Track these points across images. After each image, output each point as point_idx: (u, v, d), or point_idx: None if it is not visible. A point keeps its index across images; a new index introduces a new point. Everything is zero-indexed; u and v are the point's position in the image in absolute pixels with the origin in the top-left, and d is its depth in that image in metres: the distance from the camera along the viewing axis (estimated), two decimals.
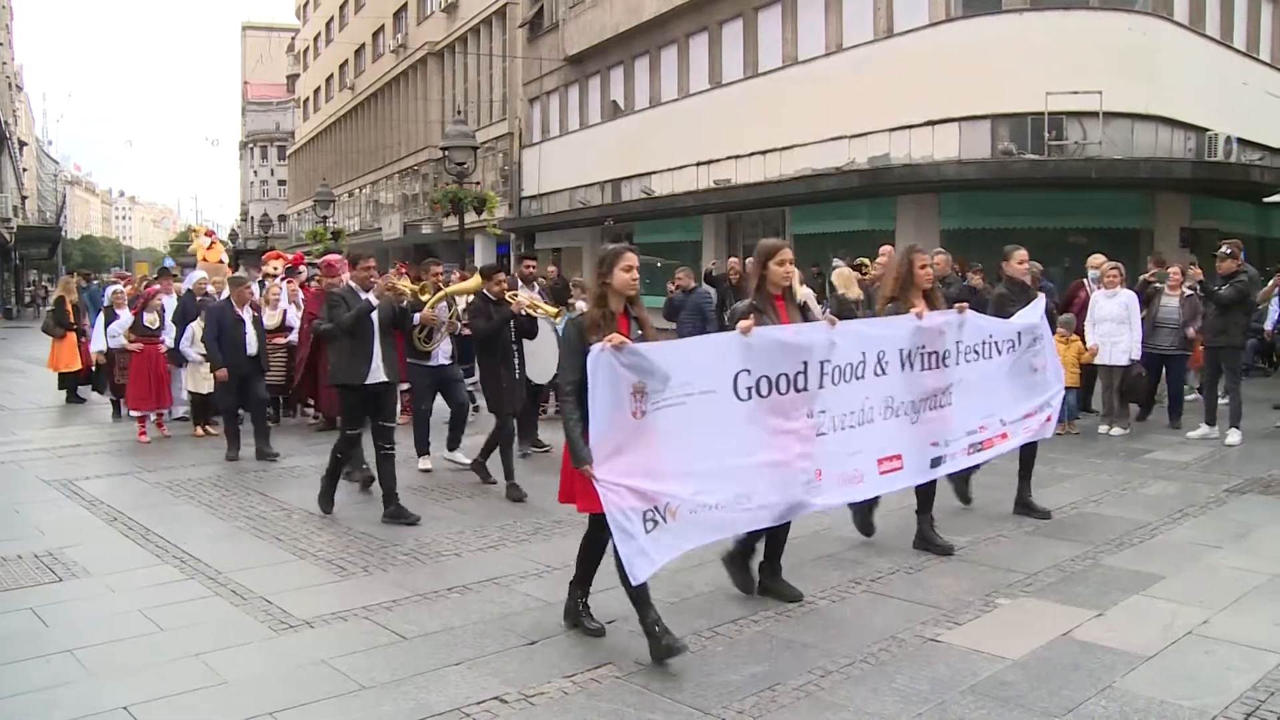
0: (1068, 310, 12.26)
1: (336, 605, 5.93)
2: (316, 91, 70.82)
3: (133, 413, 12.19)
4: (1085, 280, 12.99)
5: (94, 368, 15.18)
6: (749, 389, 5.49)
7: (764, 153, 25.07)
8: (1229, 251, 11.18)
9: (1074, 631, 5.42)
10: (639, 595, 5.06)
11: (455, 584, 6.33)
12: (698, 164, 27.53)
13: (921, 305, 6.70)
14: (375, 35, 55.82)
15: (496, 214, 31.33)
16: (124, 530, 7.77)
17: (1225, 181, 20.99)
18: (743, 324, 5.56)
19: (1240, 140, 21.52)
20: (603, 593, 6.11)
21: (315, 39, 70.51)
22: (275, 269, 14.52)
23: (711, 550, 7.02)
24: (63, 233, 70.22)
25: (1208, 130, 20.92)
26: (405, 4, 50.55)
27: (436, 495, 8.90)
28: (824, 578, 6.44)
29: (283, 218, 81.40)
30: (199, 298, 12.70)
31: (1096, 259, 12.87)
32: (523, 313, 9.24)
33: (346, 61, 61.62)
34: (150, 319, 12.24)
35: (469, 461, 9.69)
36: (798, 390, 5.72)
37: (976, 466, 7.76)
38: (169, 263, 17.97)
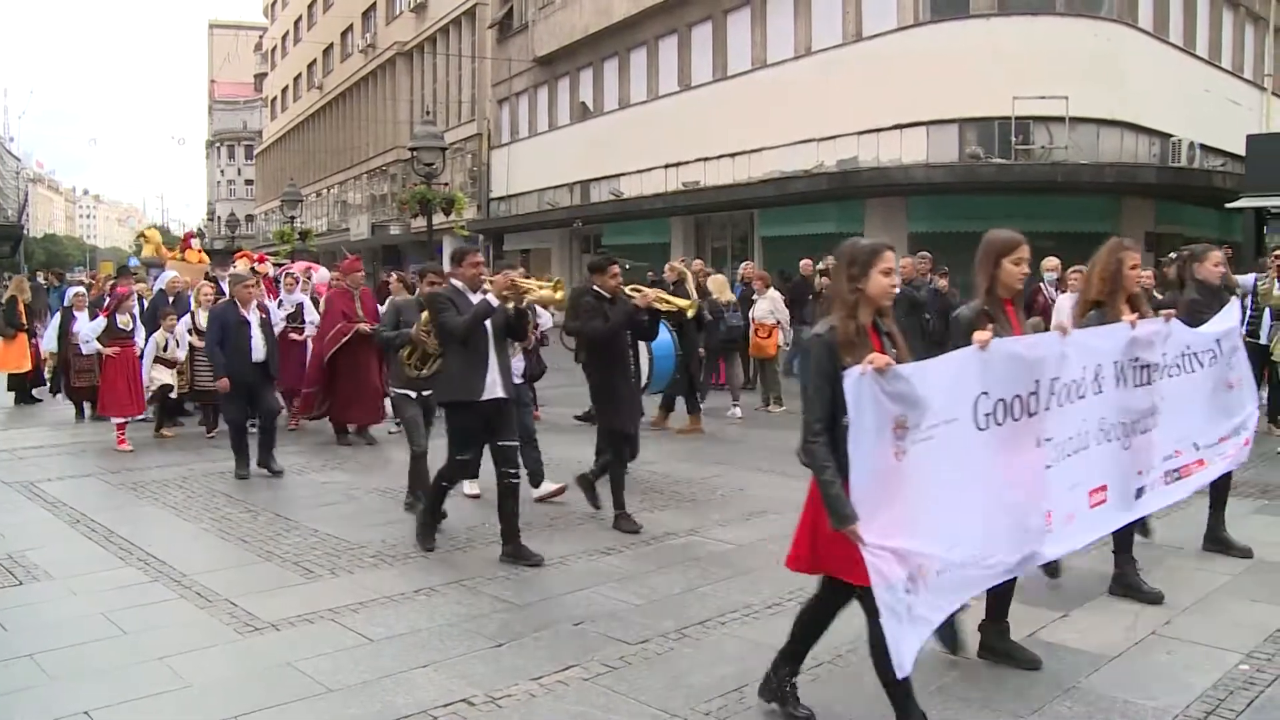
0: (1030, 314, 12.33)
1: (303, 608, 5.88)
2: (284, 91, 70.39)
3: (112, 420, 11.49)
4: (1041, 284, 13.08)
5: (45, 369, 15.21)
6: (987, 415, 4.44)
7: (733, 155, 25.15)
8: (1176, 256, 11.23)
9: (1039, 632, 5.45)
10: (904, 693, 4.11)
11: (422, 586, 6.30)
12: (666, 166, 27.58)
13: (1132, 312, 5.68)
14: (344, 35, 55.55)
15: (465, 215, 31.25)
16: (87, 532, 7.67)
17: (1189, 187, 21.27)
18: (980, 335, 4.44)
19: (1203, 146, 21.80)
20: (569, 595, 6.10)
21: (283, 38, 70.07)
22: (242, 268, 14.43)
23: (681, 553, 7.04)
24: (25, 231, 69.32)
25: (1171, 136, 21.18)
26: (374, 4, 50.34)
27: (401, 496, 8.83)
28: (792, 579, 6.42)
29: (250, 218, 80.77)
30: (170, 298, 12.48)
31: (1051, 261, 12.96)
32: (642, 311, 7.83)
33: (315, 61, 61.28)
34: (123, 320, 11.69)
35: (553, 488, 8.62)
36: (1029, 415, 4.70)
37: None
38: (133, 262, 17.82)
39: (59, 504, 8.60)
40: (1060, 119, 19.65)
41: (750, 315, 14.23)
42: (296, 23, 66.05)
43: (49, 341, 14.33)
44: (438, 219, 23.65)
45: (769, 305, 14.07)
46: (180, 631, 5.55)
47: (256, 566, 6.82)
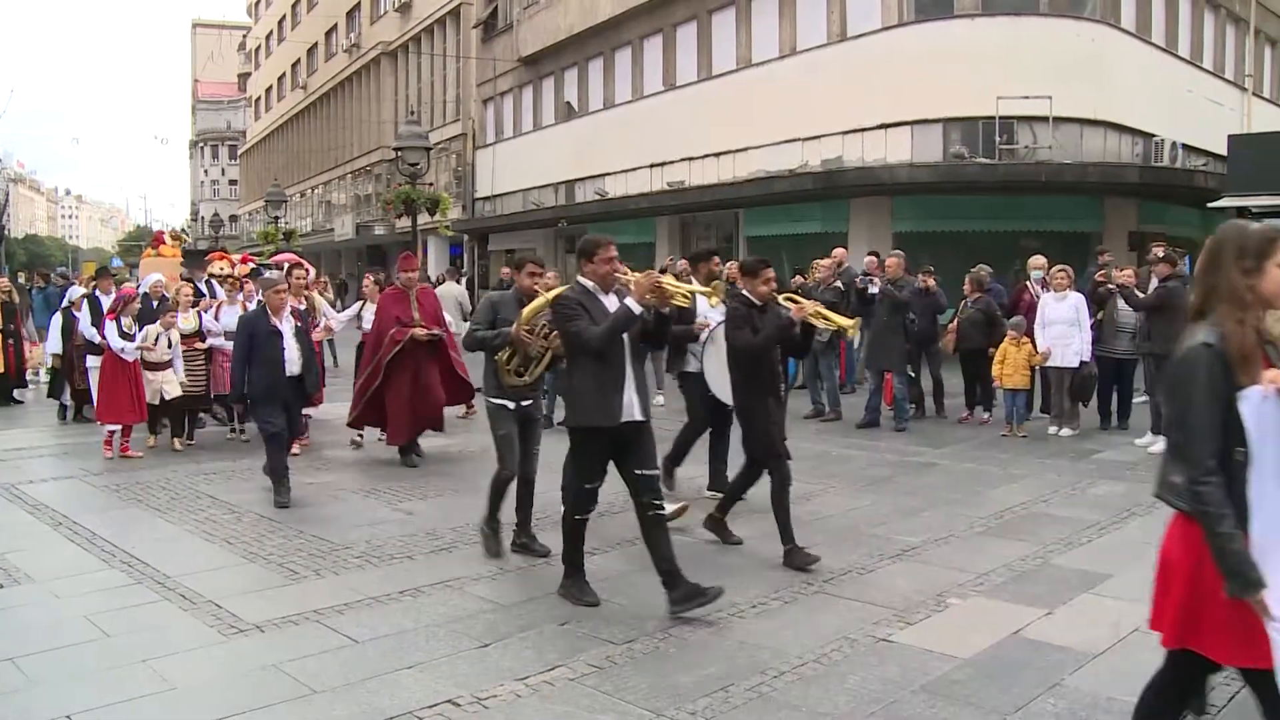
0: (1015, 312, 12.40)
1: (287, 609, 5.86)
2: (268, 90, 70.15)
3: (104, 426, 10.85)
4: (1028, 282, 13.14)
5: (27, 370, 14.99)
6: None
7: (718, 155, 25.14)
8: (1163, 255, 11.26)
9: (1024, 630, 5.48)
10: None
11: (407, 587, 6.29)
12: (651, 166, 27.56)
13: None
14: (328, 34, 55.39)
15: (450, 215, 31.15)
16: (69, 534, 7.64)
17: (1171, 186, 21.36)
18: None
19: (1185, 146, 21.91)
20: (555, 595, 6.09)
21: (267, 37, 69.83)
22: (221, 269, 14.21)
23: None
24: (6, 231, 68.86)
25: (1154, 136, 21.27)
26: (358, 3, 50.20)
27: (387, 497, 8.83)
28: (776, 578, 6.46)
29: (234, 218, 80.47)
30: (155, 302, 12.04)
31: (1038, 260, 13.04)
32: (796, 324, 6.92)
33: (299, 60, 61.08)
34: (127, 323, 10.92)
35: (673, 508, 7.48)
36: None
37: None
38: (116, 263, 17.66)
39: (41, 506, 8.55)
40: (1044, 119, 19.71)
41: None
42: (280, 22, 65.83)
43: (52, 343, 13.94)
44: (422, 219, 23.57)
45: None
46: (164, 634, 5.53)
47: (241, 568, 6.80)
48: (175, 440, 11.38)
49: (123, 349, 10.67)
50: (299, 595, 6.17)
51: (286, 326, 8.93)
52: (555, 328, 6.23)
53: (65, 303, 14.16)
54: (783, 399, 7.36)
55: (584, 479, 5.94)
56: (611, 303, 5.85)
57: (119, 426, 10.77)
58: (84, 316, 12.44)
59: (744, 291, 6.97)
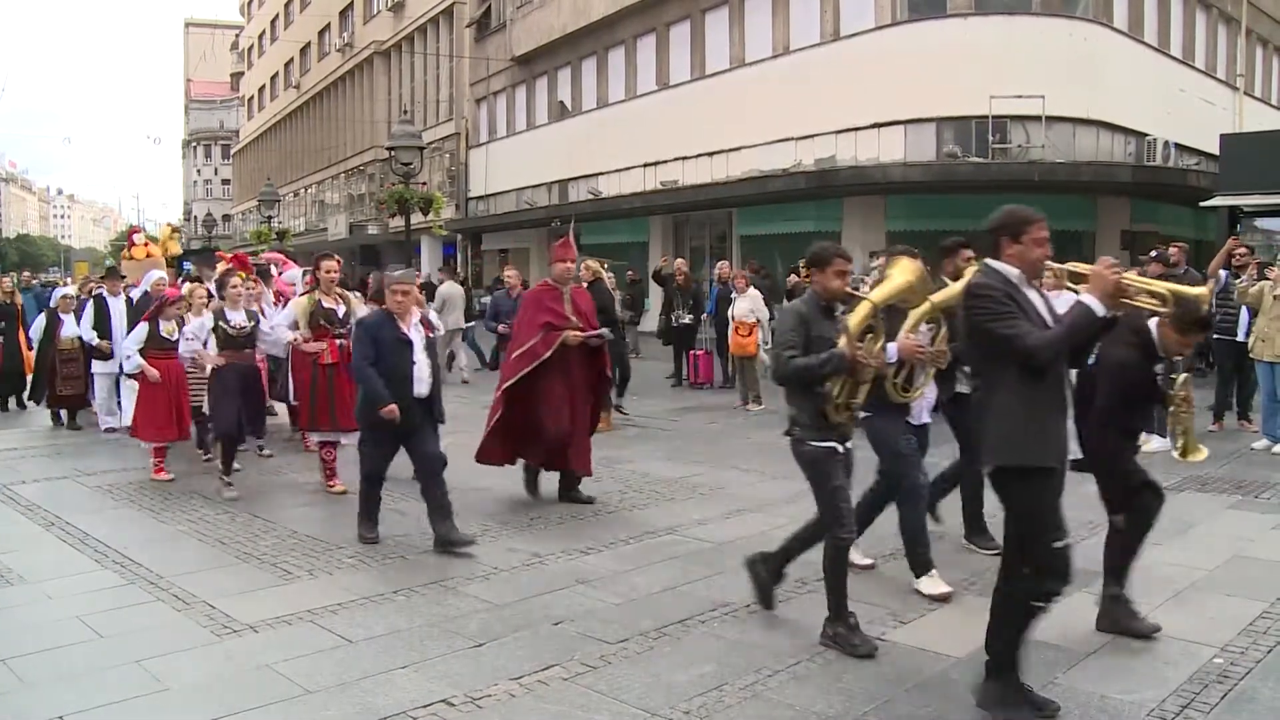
0: None
1: (281, 609, 5.85)
2: (261, 90, 70.04)
3: (144, 444, 9.75)
4: None
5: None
6: None
7: (711, 154, 25.17)
8: (1155, 255, 11.26)
9: None
10: None
11: (401, 587, 6.28)
12: (645, 165, 27.59)
13: None
14: (321, 34, 55.28)
15: (443, 215, 31.13)
16: (62, 535, 7.62)
17: (1164, 185, 21.42)
18: None
19: (1177, 145, 21.97)
20: (549, 594, 6.09)
21: (260, 37, 69.68)
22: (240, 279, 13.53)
23: (661, 551, 7.04)
24: None
25: (1147, 135, 21.34)
26: (351, 2, 50.12)
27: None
28: None
29: (227, 217, 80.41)
30: (155, 302, 11.07)
31: None
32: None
33: (292, 60, 60.96)
34: (168, 328, 9.72)
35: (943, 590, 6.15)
36: None
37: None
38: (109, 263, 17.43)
39: (34, 506, 8.52)
40: (1037, 118, 19.77)
41: (730, 314, 14.29)
42: (273, 21, 65.68)
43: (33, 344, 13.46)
44: (416, 219, 23.56)
45: (749, 304, 14.12)
46: (157, 634, 5.52)
47: (234, 568, 6.78)
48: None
49: (128, 354, 9.77)
50: (292, 595, 6.16)
51: (416, 336, 7.29)
52: (971, 327, 4.47)
53: (50, 304, 13.70)
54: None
55: (1050, 532, 4.34)
56: (1037, 299, 4.53)
57: (166, 445, 9.69)
58: (86, 319, 12.21)
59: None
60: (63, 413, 12.98)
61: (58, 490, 9.28)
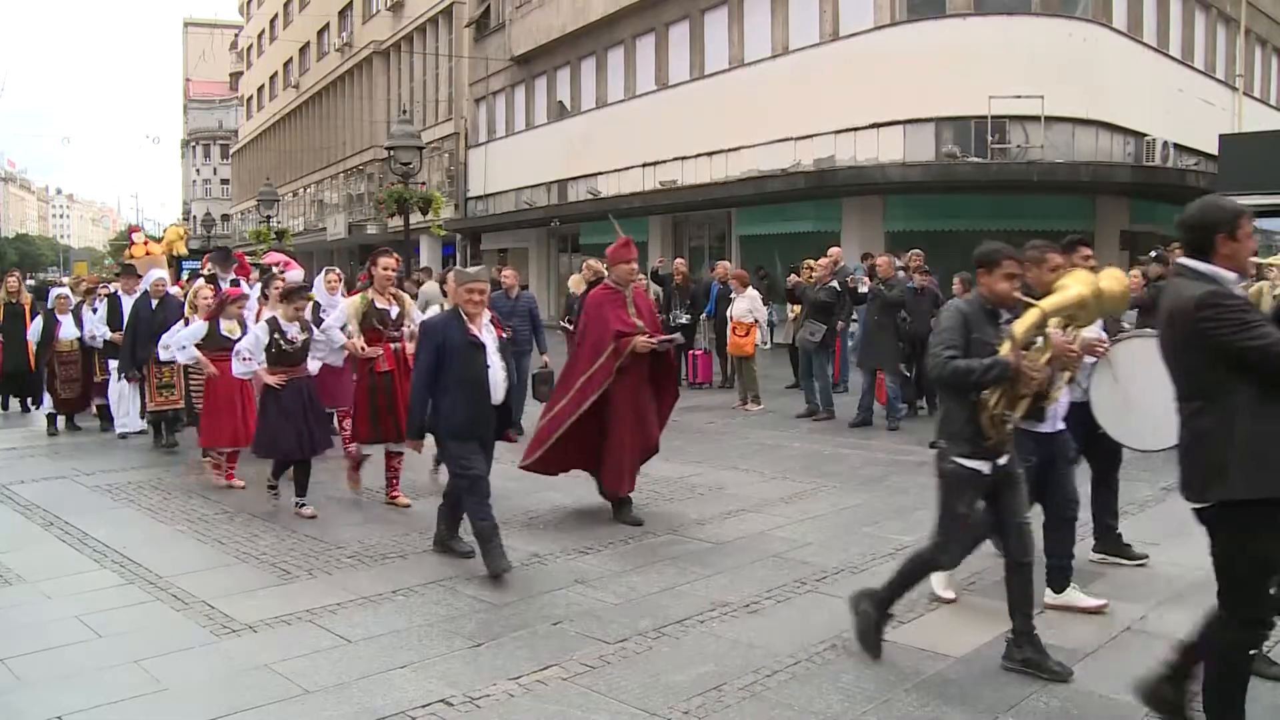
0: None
1: (280, 609, 5.85)
2: (260, 89, 70.03)
3: (210, 452, 9.41)
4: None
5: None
6: None
7: (710, 154, 25.18)
8: (1155, 255, 11.27)
9: None
10: None
11: (400, 586, 6.27)
12: (644, 165, 27.59)
13: None
14: (320, 33, 55.28)
15: (442, 214, 31.14)
16: (61, 535, 7.61)
17: (1162, 186, 21.43)
18: None
19: (1176, 146, 21.99)
20: (548, 594, 6.09)
21: (259, 36, 69.69)
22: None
23: (659, 552, 7.04)
24: None
25: (1146, 136, 21.36)
26: (350, 2, 50.13)
27: (379, 496, 8.78)
28: (769, 577, 6.46)
29: (225, 217, 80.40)
30: (154, 302, 11.09)
31: None
32: None
33: (291, 59, 60.97)
34: (229, 327, 9.21)
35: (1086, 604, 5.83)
36: None
37: None
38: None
39: (33, 506, 8.52)
40: (1036, 118, 19.77)
41: (729, 314, 14.30)
42: (272, 21, 65.66)
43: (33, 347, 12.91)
44: (415, 218, 23.55)
45: (747, 304, 14.11)
46: (156, 634, 5.52)
47: (233, 568, 6.77)
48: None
49: (183, 346, 9.29)
50: (291, 595, 6.15)
51: (489, 339, 6.69)
52: (1202, 342, 3.85)
53: (48, 305, 13.17)
54: None
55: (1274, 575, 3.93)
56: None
57: (233, 451, 9.25)
58: (99, 315, 12.03)
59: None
60: (59, 419, 12.65)
61: (56, 490, 9.27)
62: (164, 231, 16.09)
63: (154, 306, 11.09)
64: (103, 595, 6.19)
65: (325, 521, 7.93)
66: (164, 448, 11.01)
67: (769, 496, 8.60)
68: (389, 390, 8.32)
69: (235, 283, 12.08)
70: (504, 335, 7.05)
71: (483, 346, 6.55)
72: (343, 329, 8.55)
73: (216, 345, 9.11)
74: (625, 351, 7.63)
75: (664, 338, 8.01)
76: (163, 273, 12.13)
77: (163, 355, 10.20)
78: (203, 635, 5.49)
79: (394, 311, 8.57)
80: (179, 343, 9.43)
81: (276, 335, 8.02)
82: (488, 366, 6.54)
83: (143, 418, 11.57)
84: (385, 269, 8.57)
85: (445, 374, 6.45)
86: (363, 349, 8.34)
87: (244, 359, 8.10)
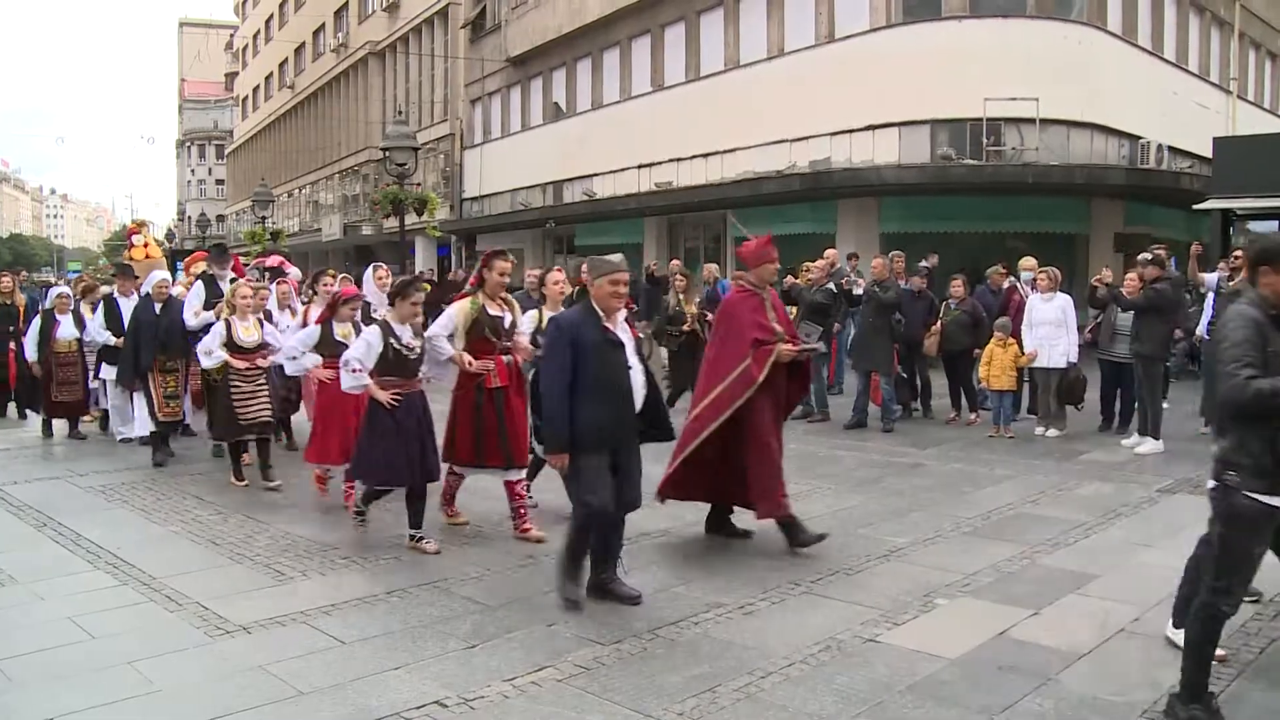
0: (1004, 313, 12.42)
1: (274, 610, 5.84)
2: (256, 90, 69.93)
3: (319, 468, 8.70)
4: (1018, 283, 13.20)
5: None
6: None
7: (706, 155, 25.16)
8: (1150, 257, 11.30)
9: (1011, 630, 5.49)
10: None
11: (394, 588, 6.27)
12: (639, 166, 27.56)
13: None
14: (316, 34, 55.21)
15: (437, 215, 31.10)
16: (53, 536, 7.60)
17: (1157, 188, 21.47)
18: None
19: (1171, 148, 22.03)
20: (542, 596, 6.08)
21: (254, 37, 69.62)
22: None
23: (655, 553, 7.04)
24: None
25: (1141, 138, 21.38)
26: (346, 3, 50.04)
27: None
28: (764, 579, 6.46)
29: (220, 218, 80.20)
30: (158, 305, 10.52)
31: (1028, 261, 13.11)
32: None
33: (286, 60, 60.89)
34: (343, 330, 8.44)
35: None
36: None
37: None
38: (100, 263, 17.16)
39: (25, 507, 8.50)
40: (1031, 120, 19.78)
41: None
42: (268, 21, 65.59)
43: (29, 350, 12.28)
44: (410, 219, 23.56)
45: None
46: (149, 635, 5.51)
47: (227, 569, 6.77)
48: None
49: (293, 354, 8.51)
50: (285, 596, 6.15)
51: (626, 337, 6.01)
52: None
53: (47, 304, 12.80)
54: None
55: None
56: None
57: (336, 468, 8.43)
58: (97, 319, 11.44)
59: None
60: (54, 423, 12.21)
61: (49, 490, 9.25)
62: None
63: (157, 311, 10.50)
64: (96, 596, 6.18)
65: (319, 523, 7.92)
66: (157, 465, 10.22)
67: None
68: (499, 411, 7.34)
69: (234, 280, 11.76)
70: (639, 336, 6.46)
71: (622, 345, 5.91)
72: (449, 338, 7.52)
73: (329, 350, 8.27)
74: (768, 361, 6.93)
75: (806, 346, 7.55)
76: (165, 274, 11.63)
77: (205, 362, 9.47)
78: (197, 636, 5.49)
79: (507, 320, 7.50)
80: (290, 351, 8.60)
81: (391, 340, 6.99)
82: (629, 368, 5.92)
83: (154, 426, 10.49)
84: (501, 273, 7.50)
85: (578, 377, 5.73)
86: (470, 363, 7.31)
87: (354, 370, 6.94)
